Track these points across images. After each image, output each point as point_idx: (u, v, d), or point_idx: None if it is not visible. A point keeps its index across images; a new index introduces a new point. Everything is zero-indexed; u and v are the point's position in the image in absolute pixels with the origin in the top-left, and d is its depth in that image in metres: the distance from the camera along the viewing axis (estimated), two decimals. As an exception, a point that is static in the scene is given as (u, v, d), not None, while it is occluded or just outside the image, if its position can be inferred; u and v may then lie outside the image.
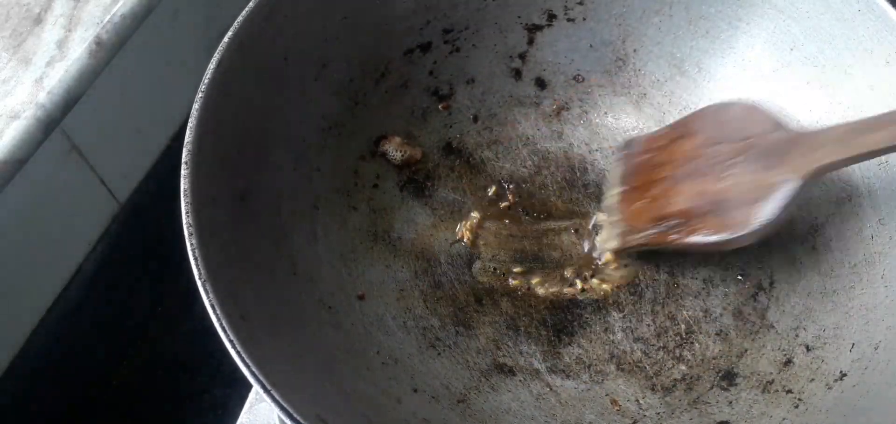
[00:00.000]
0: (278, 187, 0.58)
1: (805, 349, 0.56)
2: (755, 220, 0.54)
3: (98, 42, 0.68)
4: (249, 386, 0.52)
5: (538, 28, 0.68)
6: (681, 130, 0.62)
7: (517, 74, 0.69)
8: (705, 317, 0.59)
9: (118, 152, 0.77)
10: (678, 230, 0.58)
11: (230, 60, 0.54)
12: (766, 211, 0.54)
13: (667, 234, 0.58)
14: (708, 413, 0.54)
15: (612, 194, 0.63)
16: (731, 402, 0.55)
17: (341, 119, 0.64)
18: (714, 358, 0.57)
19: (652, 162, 0.62)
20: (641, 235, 0.59)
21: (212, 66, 0.53)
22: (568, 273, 0.61)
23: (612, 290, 0.60)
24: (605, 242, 0.61)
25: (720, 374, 0.56)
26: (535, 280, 0.61)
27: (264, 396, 0.43)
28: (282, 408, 0.43)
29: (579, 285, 0.61)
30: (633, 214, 0.60)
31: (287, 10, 0.59)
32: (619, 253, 0.61)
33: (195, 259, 0.46)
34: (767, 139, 0.56)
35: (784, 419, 0.53)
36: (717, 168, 0.57)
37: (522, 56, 0.69)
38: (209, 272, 0.46)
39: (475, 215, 0.64)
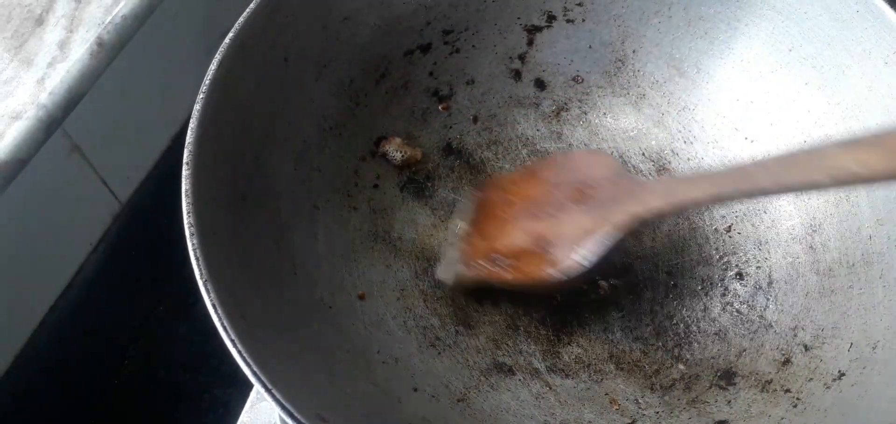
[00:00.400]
0: (279, 187, 0.58)
1: (803, 349, 0.56)
2: (568, 261, 0.56)
3: (99, 43, 0.68)
4: (250, 386, 0.52)
5: (538, 29, 0.68)
6: (530, 173, 0.63)
7: (517, 74, 0.69)
8: (704, 317, 0.59)
9: (119, 153, 0.77)
10: (506, 268, 0.59)
11: (231, 61, 0.55)
12: (579, 255, 0.55)
13: (497, 271, 0.59)
14: (707, 413, 0.54)
15: (458, 231, 0.63)
16: (729, 401, 0.55)
17: (342, 120, 0.64)
18: (712, 358, 0.57)
19: (496, 202, 0.63)
20: (474, 270, 0.60)
21: (213, 67, 0.54)
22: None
23: (608, 287, 0.61)
24: (442, 274, 0.61)
25: (719, 373, 0.56)
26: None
27: (265, 395, 0.43)
28: (283, 407, 0.43)
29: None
30: (470, 250, 0.61)
31: (288, 11, 0.59)
32: (456, 288, 0.61)
33: (196, 259, 0.46)
34: (598, 186, 0.58)
35: (782, 418, 0.53)
36: (548, 210, 0.59)
37: (522, 57, 0.69)
38: (210, 272, 0.46)
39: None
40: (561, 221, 0.58)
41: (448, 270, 0.61)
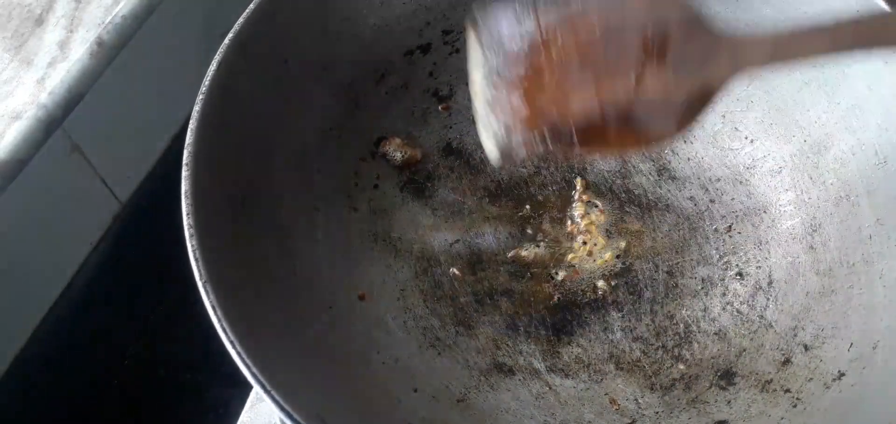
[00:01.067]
0: (279, 188, 0.58)
1: (803, 349, 0.56)
2: (657, 133, 0.47)
3: (99, 43, 0.68)
4: (250, 386, 0.52)
5: (538, 29, 0.68)
6: (574, 11, 0.49)
7: (517, 74, 0.69)
8: (704, 316, 0.59)
9: (119, 153, 0.77)
10: (574, 141, 0.48)
11: (231, 62, 0.55)
12: (669, 123, 0.47)
13: (563, 145, 0.48)
14: (706, 413, 0.54)
15: (484, 84, 0.49)
16: (729, 401, 0.55)
17: (342, 120, 0.64)
18: (712, 358, 0.57)
19: (536, 48, 0.49)
20: (529, 145, 0.48)
21: (212, 67, 0.54)
22: (560, 276, 0.62)
23: (608, 287, 0.61)
24: (490, 152, 0.49)
25: (719, 373, 0.56)
26: (532, 282, 0.61)
27: (264, 396, 0.43)
28: (282, 408, 0.43)
29: (562, 275, 0.61)
30: (518, 115, 0.48)
31: (288, 12, 0.59)
32: (503, 166, 0.51)
33: (196, 260, 0.46)
34: (673, 35, 0.47)
35: (782, 418, 0.53)
36: (615, 65, 0.47)
37: (522, 57, 0.69)
38: (210, 273, 0.46)
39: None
40: (638, 80, 0.47)
41: (493, 143, 0.48)
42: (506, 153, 0.48)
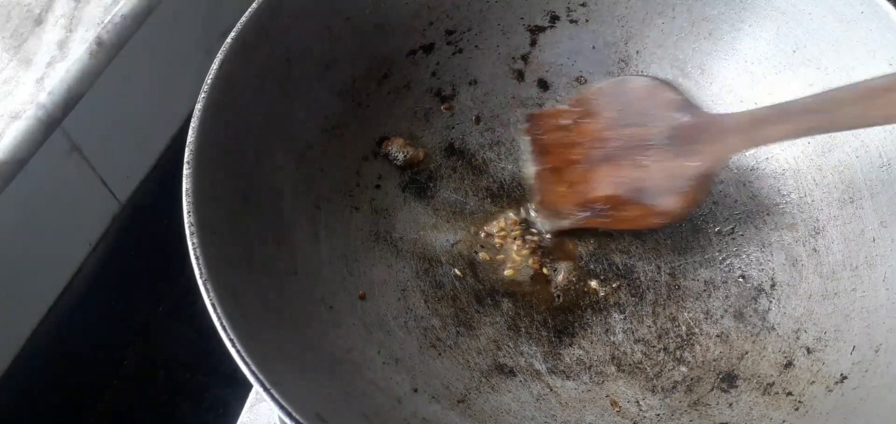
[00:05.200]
0: (280, 186, 0.58)
1: (806, 352, 0.56)
2: (671, 209, 0.59)
3: (99, 42, 0.68)
4: (250, 386, 0.52)
5: (541, 29, 0.68)
6: (585, 108, 0.63)
7: (519, 75, 0.69)
8: (706, 319, 0.59)
9: (119, 152, 0.77)
10: (606, 215, 0.61)
11: (233, 60, 0.55)
12: (678, 201, 0.59)
13: (595, 219, 0.62)
14: (708, 415, 0.54)
15: (529, 173, 0.65)
16: (731, 404, 0.54)
17: (344, 120, 0.64)
18: (715, 360, 0.57)
19: (562, 142, 0.63)
20: (569, 219, 0.62)
21: (215, 66, 0.54)
22: (562, 277, 0.61)
23: (610, 289, 0.60)
24: (545, 224, 0.63)
25: (721, 376, 0.56)
26: (533, 283, 0.61)
27: (264, 395, 0.43)
28: (281, 408, 0.43)
29: (564, 276, 0.61)
30: (556, 197, 0.63)
31: (290, 11, 0.59)
32: (553, 234, 0.63)
33: (196, 258, 0.46)
34: (676, 123, 0.59)
35: (784, 421, 0.52)
36: (631, 153, 0.60)
37: (525, 57, 0.69)
38: (210, 271, 0.46)
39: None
40: (651, 164, 0.59)
41: (542, 221, 0.63)
42: (553, 224, 0.63)
